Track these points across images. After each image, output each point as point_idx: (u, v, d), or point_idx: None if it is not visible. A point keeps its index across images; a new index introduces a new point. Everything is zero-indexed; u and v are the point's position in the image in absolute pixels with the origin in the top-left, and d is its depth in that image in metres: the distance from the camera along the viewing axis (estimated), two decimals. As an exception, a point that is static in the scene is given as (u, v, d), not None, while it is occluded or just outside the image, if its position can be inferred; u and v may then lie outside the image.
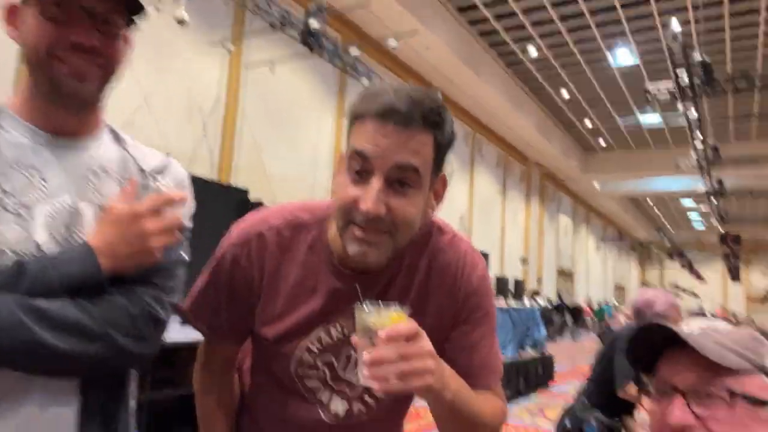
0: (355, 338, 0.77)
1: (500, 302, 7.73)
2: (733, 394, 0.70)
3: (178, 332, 3.85)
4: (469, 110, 14.88)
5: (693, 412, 0.71)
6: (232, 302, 1.00)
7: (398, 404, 1.05)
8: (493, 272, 12.29)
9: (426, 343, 0.76)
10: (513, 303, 8.08)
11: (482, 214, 16.22)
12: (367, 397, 1.01)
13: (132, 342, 0.82)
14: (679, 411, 0.72)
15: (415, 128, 0.83)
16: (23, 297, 0.74)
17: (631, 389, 2.47)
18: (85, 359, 0.78)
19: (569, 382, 8.95)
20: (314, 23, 7.57)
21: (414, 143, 0.83)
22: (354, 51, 8.65)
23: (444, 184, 0.95)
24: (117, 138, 0.96)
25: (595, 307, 18.24)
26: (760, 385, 0.71)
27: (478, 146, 16.19)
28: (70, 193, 0.85)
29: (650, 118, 17.34)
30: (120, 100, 7.00)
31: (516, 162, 18.87)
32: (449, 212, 14.19)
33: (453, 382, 0.83)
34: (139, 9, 0.88)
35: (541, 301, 15.60)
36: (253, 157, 8.71)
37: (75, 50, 0.82)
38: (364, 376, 0.74)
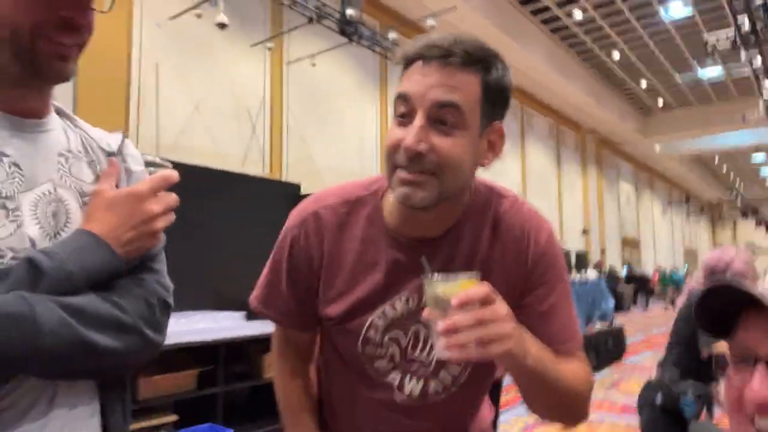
0: (426, 311, 0.75)
1: (563, 276, 7.53)
2: None
3: (246, 327, 3.99)
4: (514, 82, 14.43)
5: None
6: (295, 285, 1.00)
7: (477, 380, 1.01)
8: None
9: (502, 306, 0.73)
10: (576, 276, 7.86)
11: (537, 189, 15.82)
12: (443, 375, 0.98)
13: (154, 332, 0.78)
14: (760, 384, 0.61)
15: (456, 65, 0.82)
16: (56, 297, 0.68)
17: (720, 347, 2.28)
18: (122, 354, 0.74)
19: (642, 354, 8.67)
20: (351, 12, 7.54)
21: (455, 80, 0.82)
22: (392, 35, 8.57)
23: (500, 135, 0.92)
24: (62, 114, 0.87)
25: (660, 275, 17.47)
26: None
27: (528, 119, 15.76)
28: (49, 179, 0.77)
29: (711, 72, 16.34)
30: (174, 110, 7.28)
31: (569, 131, 18.26)
32: (503, 189, 13.94)
33: (533, 347, 0.80)
34: None
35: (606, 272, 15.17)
36: (301, 151, 8.82)
37: (62, 28, 0.72)
38: (440, 347, 0.71)
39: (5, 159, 0.73)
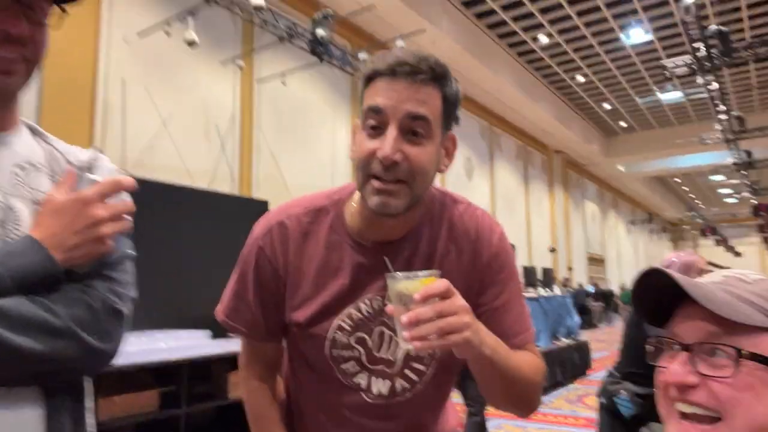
0: (390, 307, 0.80)
1: (530, 292, 7.64)
2: (741, 352, 0.61)
3: (212, 345, 3.93)
4: (483, 104, 14.79)
5: (696, 371, 0.63)
6: (262, 294, 1.03)
7: (441, 376, 1.05)
8: (521, 263, 12.15)
9: (460, 300, 0.78)
10: (543, 292, 7.98)
11: (506, 208, 16.08)
12: (408, 372, 1.01)
13: (97, 339, 0.75)
14: (679, 367, 0.64)
15: (423, 80, 0.89)
16: None
17: None
18: (52, 359, 0.71)
19: (607, 369, 8.82)
20: (321, 32, 7.62)
21: (423, 95, 0.89)
22: (363, 55, 8.69)
23: (454, 142, 1.00)
24: (36, 132, 0.88)
25: (621, 291, 17.90)
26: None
27: (496, 139, 16.08)
28: (1, 190, 0.77)
29: (670, 95, 16.98)
30: (140, 126, 7.20)
31: (536, 152, 18.67)
32: (472, 208, 14.12)
33: (489, 338, 0.85)
34: None
35: (573, 288, 15.43)
36: (271, 169, 8.80)
37: (1, 41, 0.73)
38: (403, 338, 0.76)
39: None
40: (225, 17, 8.01)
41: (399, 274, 0.79)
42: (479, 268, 1.01)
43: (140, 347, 3.64)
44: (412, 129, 0.89)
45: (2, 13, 0.73)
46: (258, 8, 6.53)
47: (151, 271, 4.60)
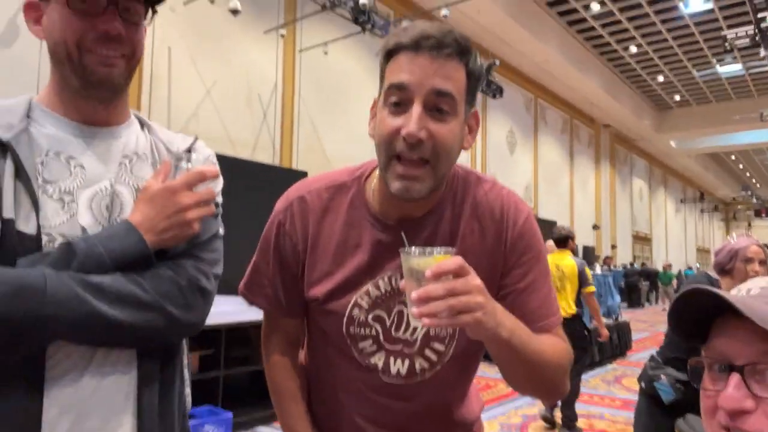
0: (402, 282, 0.79)
1: (570, 271, 7.50)
2: None
3: (248, 312, 4.04)
4: (529, 74, 14.37)
5: (751, 394, 0.58)
6: (282, 269, 1.03)
7: (463, 358, 1.03)
8: (563, 241, 11.95)
9: (474, 279, 0.76)
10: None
11: (549, 183, 15.74)
12: (428, 352, 1.00)
13: (182, 311, 0.85)
14: (733, 391, 0.59)
15: (447, 55, 0.85)
16: (78, 273, 0.78)
17: None
18: (141, 328, 0.82)
19: (648, 350, 8.64)
20: (364, 0, 7.51)
21: (447, 69, 0.86)
22: (405, 24, 8.54)
23: (477, 120, 0.97)
24: (144, 124, 1.00)
25: (661, 273, 17.37)
26: None
27: (541, 112, 15.65)
28: (108, 177, 0.90)
29: (730, 68, 16.08)
30: (184, 94, 7.31)
31: (583, 126, 18.11)
32: (513, 182, 13.88)
33: (507, 320, 0.82)
34: None
35: (615, 267, 15.09)
36: (312, 140, 8.84)
37: (102, 40, 0.85)
38: (413, 314, 0.74)
39: (72, 161, 0.87)
40: (268, -15, 7.98)
41: (413, 249, 0.77)
42: (503, 249, 0.97)
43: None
44: (437, 106, 0.86)
45: (101, 17, 0.85)
46: (301, -24, 6.45)
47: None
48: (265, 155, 8.08)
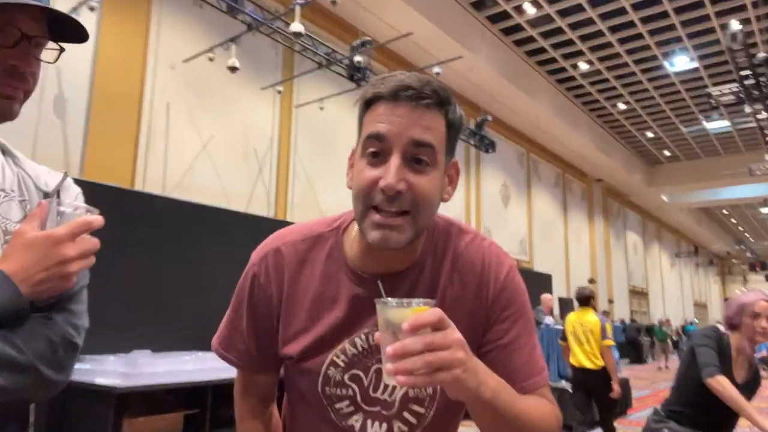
0: (378, 335, 0.73)
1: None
2: None
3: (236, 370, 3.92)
4: (521, 130, 14.67)
5: None
6: (256, 324, 0.98)
7: (443, 420, 0.97)
8: (558, 294, 11.85)
9: (454, 333, 0.70)
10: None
11: (543, 237, 15.78)
12: (407, 415, 0.94)
13: (54, 372, 0.80)
14: None
15: (426, 105, 0.83)
16: None
17: (723, 381, 2.28)
18: (12, 392, 0.75)
19: (649, 409, 8.41)
20: (359, 59, 7.74)
21: (427, 120, 0.83)
22: (383, 75, 8.75)
23: (457, 170, 0.94)
24: (6, 152, 0.92)
25: (656, 328, 17.17)
26: None
27: (534, 166, 15.87)
28: None
29: (717, 124, 16.49)
30: (181, 148, 7.39)
31: (575, 180, 18.34)
32: (508, 236, 13.90)
33: (491, 379, 0.76)
34: (81, 36, 0.88)
35: (616, 322, 14.90)
36: (307, 192, 8.89)
37: (9, 73, 0.82)
38: (387, 371, 0.68)
39: None
40: (266, 45, 8.22)
41: (390, 300, 0.72)
42: (485, 303, 0.93)
43: (167, 368, 3.65)
44: (416, 157, 0.83)
45: (16, 50, 0.81)
46: (297, 34, 6.67)
47: (185, 291, 4.67)
48: (260, 208, 8.09)
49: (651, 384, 11.04)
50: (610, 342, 4.75)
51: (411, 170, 0.83)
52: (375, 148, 0.84)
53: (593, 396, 4.83)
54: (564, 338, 5.06)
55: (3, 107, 0.83)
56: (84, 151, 6.15)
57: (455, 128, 0.89)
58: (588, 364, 4.73)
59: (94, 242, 0.83)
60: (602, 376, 4.62)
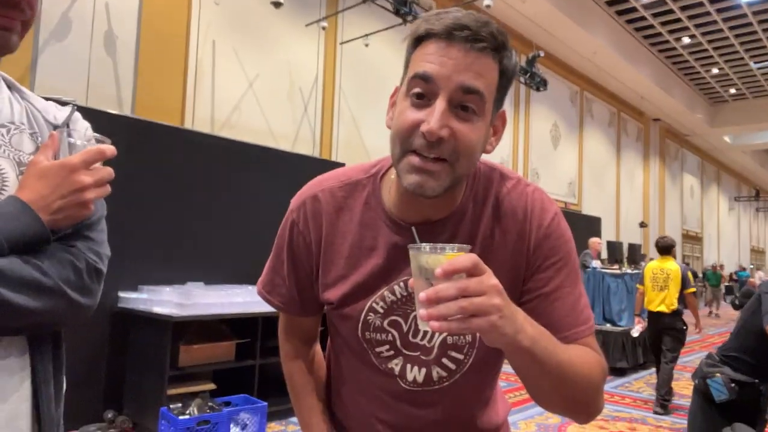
0: (411, 281, 0.71)
1: (614, 268, 7.27)
2: None
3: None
4: (574, 66, 13.98)
5: None
6: (296, 270, 0.99)
7: (483, 365, 0.97)
8: (606, 238, 11.58)
9: (490, 278, 0.67)
10: (628, 268, 7.57)
11: (594, 179, 15.30)
12: (445, 361, 0.94)
13: (82, 296, 0.82)
14: None
15: (481, 49, 0.78)
16: None
17: None
18: (42, 314, 0.77)
19: (697, 353, 8.32)
20: (406, -9, 7.45)
21: (480, 65, 0.78)
22: (438, 10, 8.41)
23: (504, 121, 0.89)
24: (12, 87, 0.91)
25: (711, 270, 16.58)
26: None
27: (588, 105, 15.21)
28: None
29: (792, 59, 15.24)
30: (228, 86, 7.42)
31: (631, 119, 17.51)
32: (556, 178, 13.56)
33: (529, 326, 0.74)
34: None
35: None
36: (352, 132, 8.85)
37: (3, 4, 0.79)
38: (420, 317, 0.67)
39: None
40: (310, -22, 8.00)
41: (424, 245, 0.70)
42: (526, 252, 0.89)
43: (219, 300, 3.82)
44: (464, 103, 0.79)
45: None
46: (342, -33, 6.43)
47: (234, 228, 4.80)
48: (306, 148, 8.13)
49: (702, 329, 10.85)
50: (693, 289, 5.39)
51: (456, 117, 0.79)
52: (421, 89, 0.80)
53: (664, 335, 5.27)
54: (641, 282, 5.52)
55: (1, 39, 0.79)
56: (135, 89, 6.26)
57: (508, 77, 0.83)
58: (663, 308, 5.23)
59: (108, 171, 0.83)
60: (674, 317, 5.19)
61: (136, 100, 6.24)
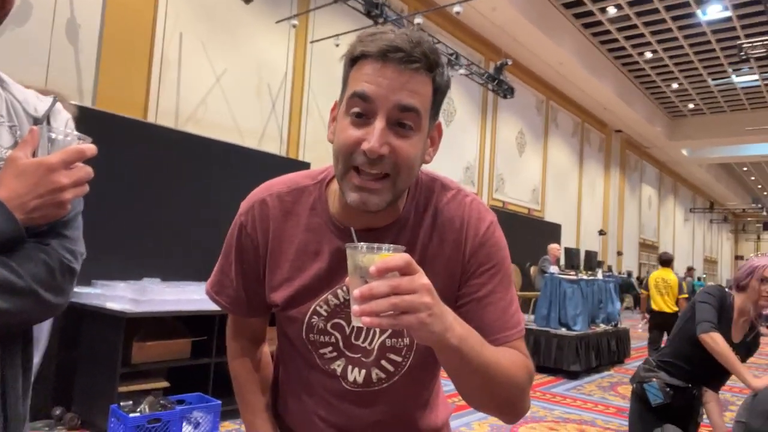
0: (348, 279, 0.74)
1: (571, 274, 7.46)
2: None
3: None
4: (541, 75, 14.27)
5: None
6: (244, 272, 1.02)
7: (422, 369, 1.01)
8: (566, 244, 11.86)
9: (421, 278, 0.71)
10: (584, 275, 7.77)
11: (557, 186, 15.64)
12: (384, 363, 0.98)
13: (53, 296, 0.82)
14: None
15: (415, 68, 0.82)
16: None
17: (716, 337, 2.33)
18: (12, 314, 0.77)
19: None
20: (377, -6, 7.48)
21: (414, 84, 0.83)
22: (419, 20, 8.49)
23: (439, 132, 0.94)
24: None
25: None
26: None
27: (553, 114, 15.54)
28: None
29: (745, 78, 15.89)
30: (194, 81, 7.31)
31: (594, 130, 17.97)
32: (521, 185, 13.81)
33: (458, 326, 0.77)
34: None
35: (616, 274, 14.99)
36: (320, 131, 8.83)
37: None
38: (354, 312, 0.70)
39: None
40: (282, -25, 7.96)
41: (361, 245, 0.73)
42: (463, 259, 0.94)
43: (176, 297, 3.77)
44: (401, 120, 0.83)
45: None
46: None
47: (195, 224, 4.75)
48: (272, 145, 8.08)
49: (651, 336, 11.23)
50: (686, 295, 6.75)
51: (394, 134, 0.83)
52: (359, 108, 0.83)
53: (667, 331, 5.77)
54: (646, 288, 7.05)
55: None
56: (97, 80, 6.11)
57: (442, 92, 0.88)
58: (666, 309, 6.70)
59: (87, 170, 0.82)
60: (675, 316, 6.18)
61: (97, 92, 6.10)
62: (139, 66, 6.56)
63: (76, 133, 0.86)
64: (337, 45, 8.51)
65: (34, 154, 0.81)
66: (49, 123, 0.89)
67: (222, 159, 5.08)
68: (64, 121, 0.93)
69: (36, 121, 0.88)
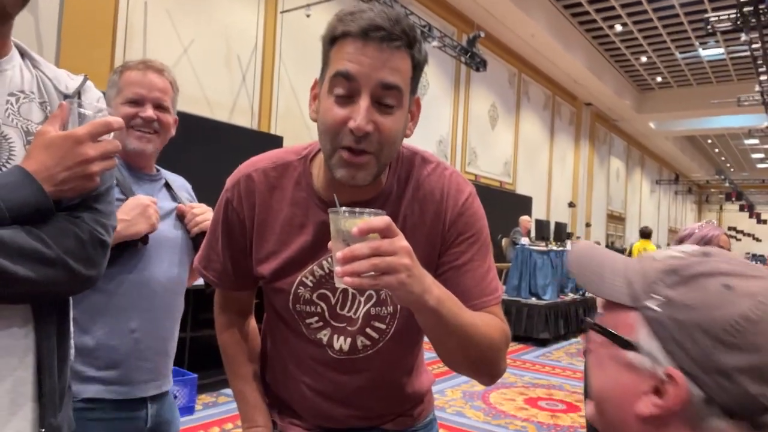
0: (330, 243, 0.77)
1: (540, 246, 7.63)
2: (587, 322, 0.63)
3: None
4: (514, 49, 14.28)
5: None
6: (230, 247, 1.04)
7: (405, 336, 1.04)
8: (537, 217, 12.07)
9: (401, 240, 0.75)
10: (554, 246, 7.96)
11: (528, 159, 15.81)
12: (369, 331, 1.02)
13: (84, 267, 0.83)
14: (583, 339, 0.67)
15: (396, 46, 0.85)
16: None
17: None
18: (43, 284, 0.79)
19: (613, 326, 8.88)
20: (349, -37, 7.35)
21: (395, 62, 0.86)
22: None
23: (418, 106, 0.97)
24: (26, 55, 0.91)
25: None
26: (624, 322, 0.57)
27: (525, 88, 15.61)
28: None
29: (712, 51, 16.17)
30: (160, 51, 7.13)
31: (565, 103, 18.13)
32: (493, 158, 13.92)
33: (437, 289, 0.81)
34: None
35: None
36: (291, 103, 8.72)
37: None
38: (336, 273, 0.73)
39: None
40: (250, -58, 7.73)
41: (344, 209, 0.76)
42: (443, 228, 0.98)
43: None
44: (384, 98, 0.86)
45: None
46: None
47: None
48: (243, 118, 7.95)
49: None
50: None
51: (378, 111, 0.86)
52: (343, 88, 0.86)
53: None
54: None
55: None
56: (58, 50, 5.90)
57: (420, 67, 0.91)
58: None
59: (115, 144, 0.84)
60: None
61: (59, 63, 5.89)
62: (103, 36, 6.35)
63: (106, 108, 0.87)
64: (308, 15, 8.35)
65: (64, 129, 0.82)
66: (80, 99, 0.89)
67: (192, 132, 4.99)
68: (95, 99, 0.94)
69: (66, 97, 0.89)
